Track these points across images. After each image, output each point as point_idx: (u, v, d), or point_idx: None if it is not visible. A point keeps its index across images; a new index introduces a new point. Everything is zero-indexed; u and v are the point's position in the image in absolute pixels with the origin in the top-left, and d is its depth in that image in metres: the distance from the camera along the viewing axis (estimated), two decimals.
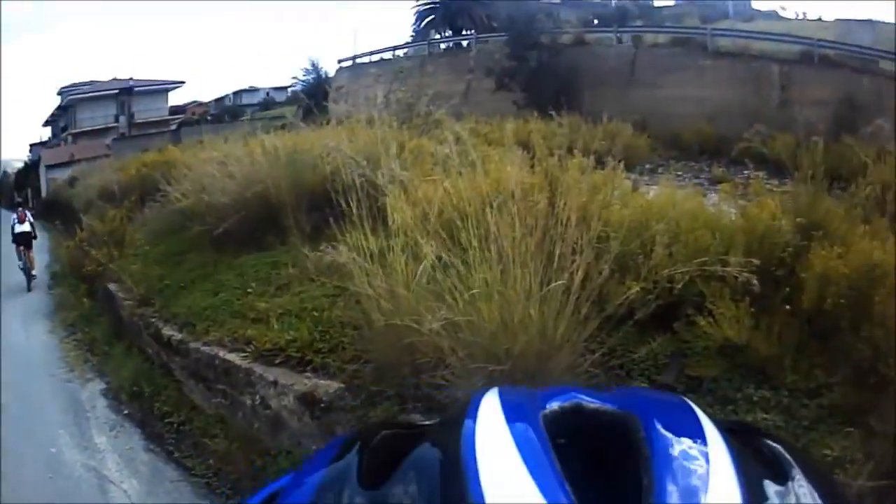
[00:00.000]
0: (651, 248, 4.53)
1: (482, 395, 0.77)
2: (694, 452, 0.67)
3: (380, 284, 4.55)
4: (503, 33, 21.54)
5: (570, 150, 5.14)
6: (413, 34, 27.32)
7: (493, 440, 0.67)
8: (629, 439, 0.69)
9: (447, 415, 0.88)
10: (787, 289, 4.62)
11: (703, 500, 0.61)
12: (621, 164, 5.39)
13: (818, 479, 0.74)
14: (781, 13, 33.42)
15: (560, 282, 3.85)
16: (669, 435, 0.69)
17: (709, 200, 6.24)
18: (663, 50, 20.33)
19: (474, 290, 3.95)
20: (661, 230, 4.52)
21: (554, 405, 0.75)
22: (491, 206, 4.11)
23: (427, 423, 0.91)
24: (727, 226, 5.28)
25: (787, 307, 4.55)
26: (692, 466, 0.65)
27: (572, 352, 4.05)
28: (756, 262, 4.19)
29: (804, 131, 5.86)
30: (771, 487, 0.69)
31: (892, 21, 19.88)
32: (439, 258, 4.23)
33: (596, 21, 25.85)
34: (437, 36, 26.73)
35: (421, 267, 4.33)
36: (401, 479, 0.70)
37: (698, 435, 0.71)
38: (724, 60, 19.11)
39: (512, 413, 0.72)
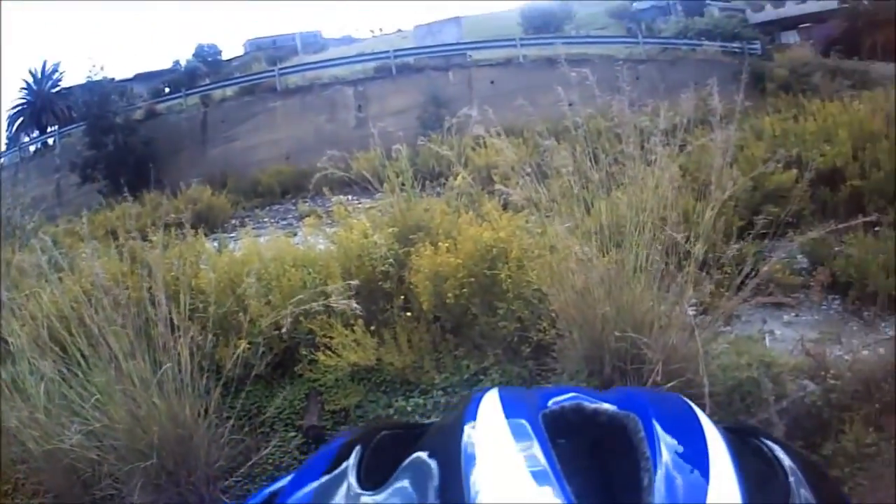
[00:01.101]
0: (246, 302, 4.58)
1: (482, 395, 0.77)
2: (694, 452, 0.67)
3: (21, 413, 4.33)
4: (82, 122, 21.14)
5: (154, 227, 5.08)
6: (7, 141, 26.69)
7: (493, 440, 0.67)
8: (629, 439, 0.69)
9: (447, 415, 0.88)
10: (402, 297, 4.79)
11: (703, 500, 0.61)
12: (200, 230, 5.38)
13: (817, 479, 0.75)
14: (356, 35, 35.27)
15: (168, 364, 3.77)
16: (669, 435, 0.69)
17: (300, 238, 6.33)
18: (233, 102, 20.86)
19: (96, 396, 3.84)
20: (249, 283, 4.52)
21: (554, 405, 0.76)
22: (88, 306, 4.01)
23: (427, 422, 0.92)
24: (319, 257, 5.43)
25: (409, 314, 4.68)
26: (692, 466, 0.65)
27: (209, 426, 3.97)
28: (354, 283, 4.34)
29: (384, 144, 5.90)
30: (771, 487, 0.70)
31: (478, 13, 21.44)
32: (62, 372, 4.07)
33: (167, 89, 26.00)
34: (27, 138, 26.17)
35: (42, 387, 4.15)
36: (400, 479, 0.69)
37: (698, 435, 0.71)
38: (295, 97, 19.93)
39: (512, 413, 0.72)
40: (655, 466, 0.64)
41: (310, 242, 5.92)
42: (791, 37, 27.11)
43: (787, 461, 0.74)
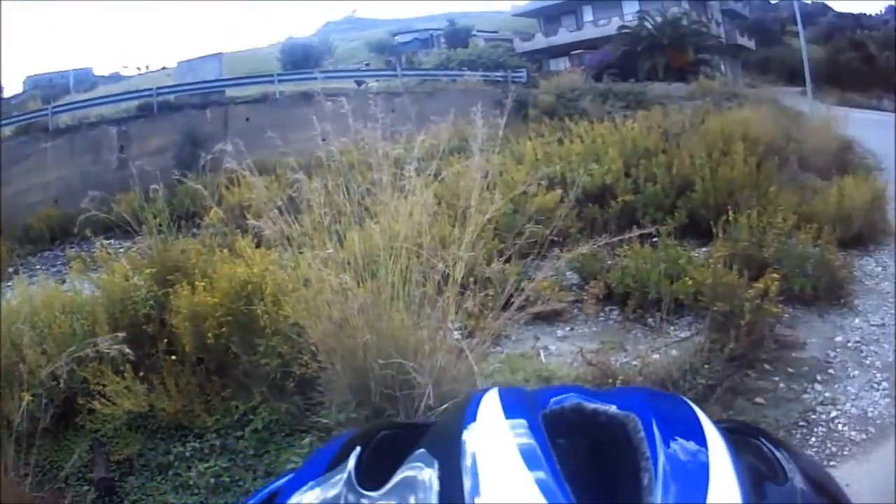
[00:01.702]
0: (24, 352, 4.41)
1: (482, 395, 0.77)
2: (694, 452, 0.67)
3: None
4: None
5: None
6: None
7: (493, 440, 0.67)
8: (629, 439, 0.70)
9: (447, 415, 0.90)
10: (166, 340, 4.84)
11: (703, 500, 0.61)
12: None
13: (817, 479, 0.77)
14: (124, 72, 34.69)
15: None
16: (669, 435, 0.69)
17: (69, 284, 6.23)
18: (9, 142, 19.66)
19: None
20: (22, 329, 4.45)
21: (554, 405, 0.77)
22: None
23: (427, 422, 0.90)
24: (86, 302, 5.36)
25: (173, 357, 4.73)
26: (692, 466, 0.65)
27: (10, 484, 3.90)
28: (121, 335, 4.23)
29: (142, 185, 5.85)
30: (771, 487, 0.71)
31: (241, 49, 21.50)
32: None
33: None
34: None
35: None
36: (401, 478, 0.70)
37: (698, 435, 0.71)
38: (65, 137, 19.20)
39: (512, 413, 0.72)
40: (655, 466, 0.65)
41: (77, 288, 5.89)
42: (561, 63, 27.90)
43: (787, 461, 0.77)
